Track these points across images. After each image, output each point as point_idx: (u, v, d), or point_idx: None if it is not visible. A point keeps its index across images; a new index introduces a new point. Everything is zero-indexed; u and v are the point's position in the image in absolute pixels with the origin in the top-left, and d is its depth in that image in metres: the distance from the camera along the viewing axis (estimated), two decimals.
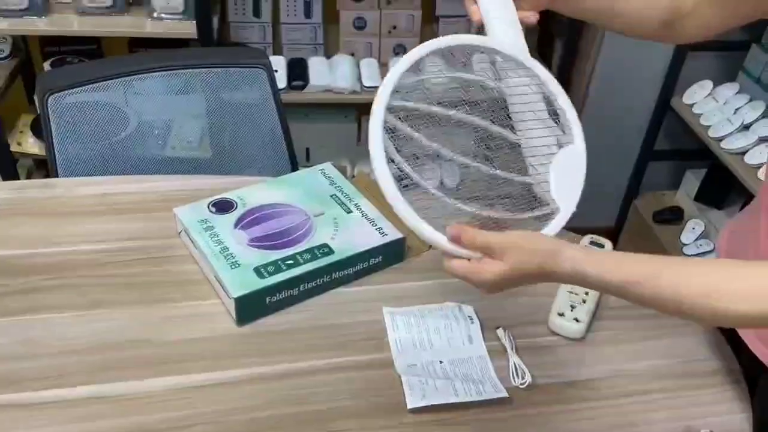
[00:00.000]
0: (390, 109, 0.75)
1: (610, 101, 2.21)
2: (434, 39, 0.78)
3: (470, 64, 0.81)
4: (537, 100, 0.81)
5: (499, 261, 0.70)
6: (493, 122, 0.80)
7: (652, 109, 2.23)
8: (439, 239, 0.74)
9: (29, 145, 2.02)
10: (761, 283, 0.63)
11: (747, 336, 0.91)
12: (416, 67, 0.77)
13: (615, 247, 1.09)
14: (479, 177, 0.79)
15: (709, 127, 2.01)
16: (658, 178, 2.39)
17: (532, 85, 0.81)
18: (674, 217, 2.27)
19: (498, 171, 0.78)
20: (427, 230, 0.74)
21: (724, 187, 2.16)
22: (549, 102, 0.82)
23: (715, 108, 2.05)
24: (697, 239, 2.15)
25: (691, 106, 2.11)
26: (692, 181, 2.27)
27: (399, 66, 0.76)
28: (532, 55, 0.82)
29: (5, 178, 1.87)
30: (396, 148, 0.75)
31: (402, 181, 0.74)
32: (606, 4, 0.83)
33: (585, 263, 0.68)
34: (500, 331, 0.95)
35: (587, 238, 1.10)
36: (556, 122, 0.81)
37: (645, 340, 0.97)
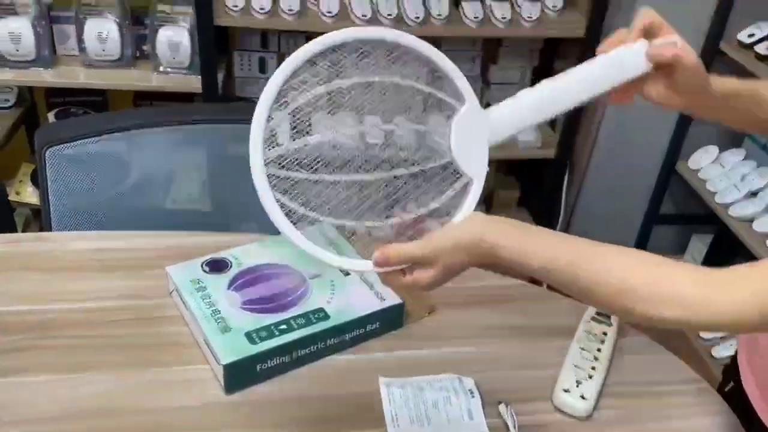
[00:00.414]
0: (267, 162, 0.74)
1: (615, 164, 2.20)
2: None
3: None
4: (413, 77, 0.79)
5: (430, 268, 0.72)
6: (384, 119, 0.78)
7: (657, 174, 2.21)
8: (367, 266, 0.74)
9: (28, 194, 2.01)
10: (676, 289, 0.65)
11: (762, 410, 0.88)
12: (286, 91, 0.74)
13: None
14: (384, 184, 0.79)
15: (715, 193, 1.99)
16: (663, 243, 2.36)
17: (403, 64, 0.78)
18: None
19: (401, 169, 0.78)
20: (356, 263, 0.75)
21: (731, 253, 2.13)
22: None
23: (721, 174, 2.03)
24: None
25: (697, 171, 2.10)
26: (698, 245, 2.24)
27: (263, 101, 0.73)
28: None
29: (1, 228, 1.85)
30: (289, 195, 0.76)
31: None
32: (747, 117, 0.87)
33: (504, 251, 0.71)
34: (502, 407, 0.91)
35: (591, 311, 1.06)
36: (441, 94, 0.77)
37: (655, 420, 0.92)
